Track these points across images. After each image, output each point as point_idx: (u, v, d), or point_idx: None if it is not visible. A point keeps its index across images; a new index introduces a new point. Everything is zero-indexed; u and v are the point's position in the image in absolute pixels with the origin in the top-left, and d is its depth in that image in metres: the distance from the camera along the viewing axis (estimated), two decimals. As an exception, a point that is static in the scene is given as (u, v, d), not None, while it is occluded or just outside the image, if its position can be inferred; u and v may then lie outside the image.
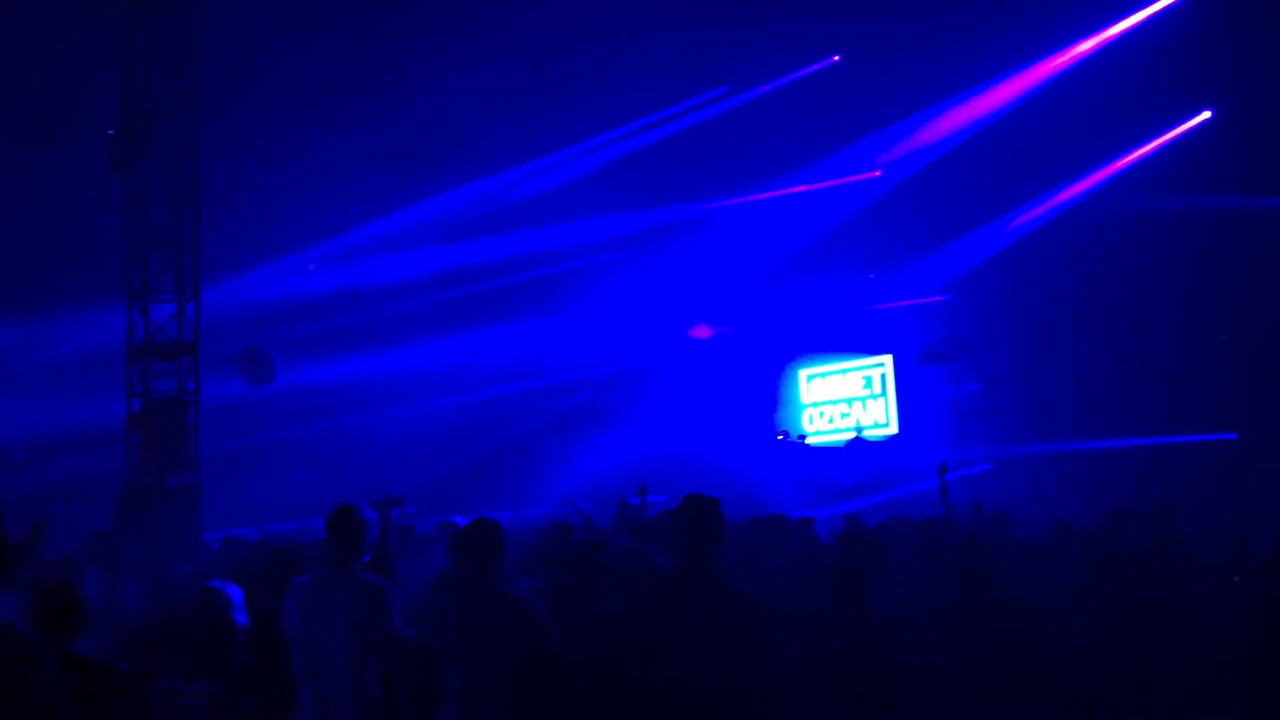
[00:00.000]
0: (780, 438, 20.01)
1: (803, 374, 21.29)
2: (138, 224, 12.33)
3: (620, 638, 4.58)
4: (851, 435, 19.59)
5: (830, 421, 20.77)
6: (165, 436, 11.72)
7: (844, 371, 20.72)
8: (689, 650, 4.30)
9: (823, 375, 21.07)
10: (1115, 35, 16.13)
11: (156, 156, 12.32)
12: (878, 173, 18.94)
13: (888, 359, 20.10)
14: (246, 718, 5.34)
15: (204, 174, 12.55)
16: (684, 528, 4.57)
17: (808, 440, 20.28)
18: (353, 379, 18.52)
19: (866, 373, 20.39)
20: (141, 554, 7.85)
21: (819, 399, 21.07)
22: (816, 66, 17.87)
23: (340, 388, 18.31)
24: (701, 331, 20.28)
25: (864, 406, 20.33)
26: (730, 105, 18.84)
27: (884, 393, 20.08)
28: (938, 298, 19.22)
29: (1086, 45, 16.33)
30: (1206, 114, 15.89)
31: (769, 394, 21.34)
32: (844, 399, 20.68)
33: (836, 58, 17.86)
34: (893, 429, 19.77)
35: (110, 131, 12.12)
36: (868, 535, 6.14)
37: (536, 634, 4.79)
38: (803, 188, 19.35)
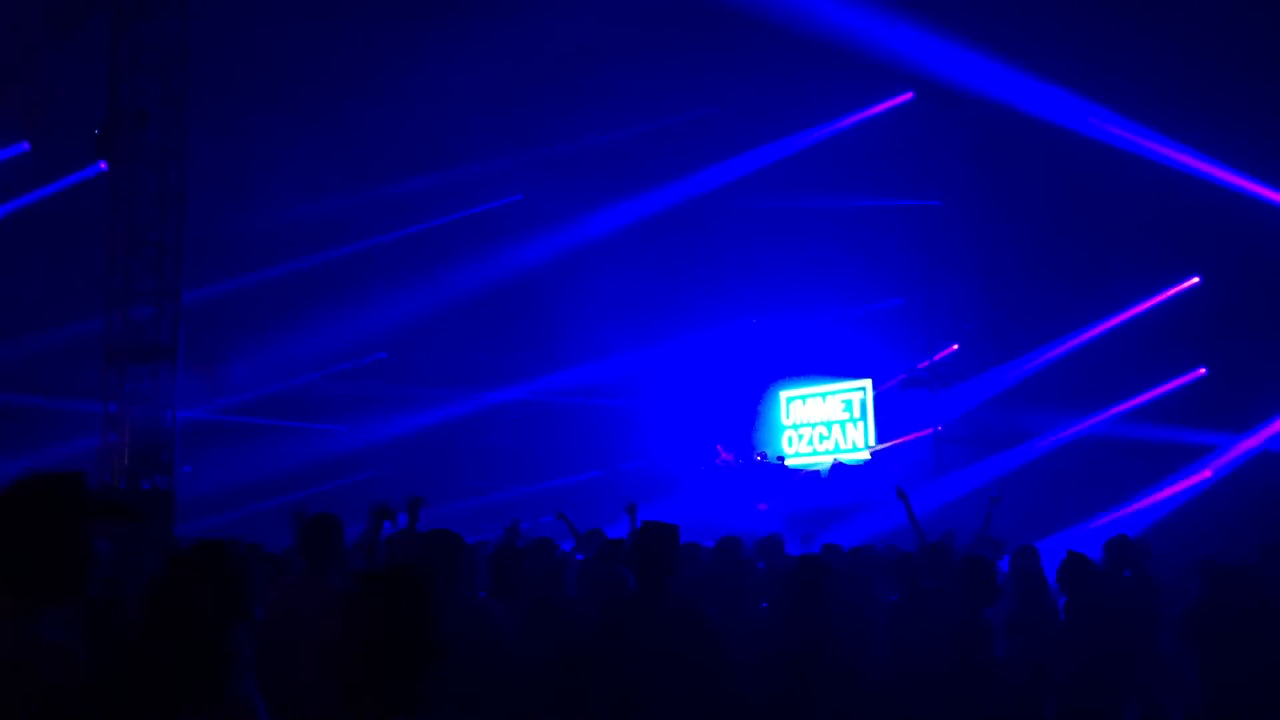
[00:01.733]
0: (758, 459, 20.02)
1: (783, 396, 21.33)
2: (122, 225, 12.26)
3: (588, 649, 4.66)
4: (831, 460, 19.62)
5: (809, 444, 20.81)
6: (140, 440, 11.62)
7: (824, 395, 20.77)
8: (650, 667, 4.40)
9: (803, 398, 21.12)
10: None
11: (142, 158, 12.26)
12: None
13: (867, 383, 20.17)
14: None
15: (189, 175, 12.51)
16: (640, 552, 4.79)
17: (787, 462, 20.29)
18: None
19: (846, 396, 20.45)
20: (106, 554, 7.75)
21: (799, 421, 21.11)
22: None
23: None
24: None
25: (843, 430, 20.39)
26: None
27: (863, 416, 20.14)
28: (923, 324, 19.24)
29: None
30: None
31: (748, 414, 21.37)
32: (824, 422, 20.73)
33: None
34: (869, 454, 19.82)
35: (96, 131, 12.05)
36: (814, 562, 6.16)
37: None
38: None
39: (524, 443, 20.42)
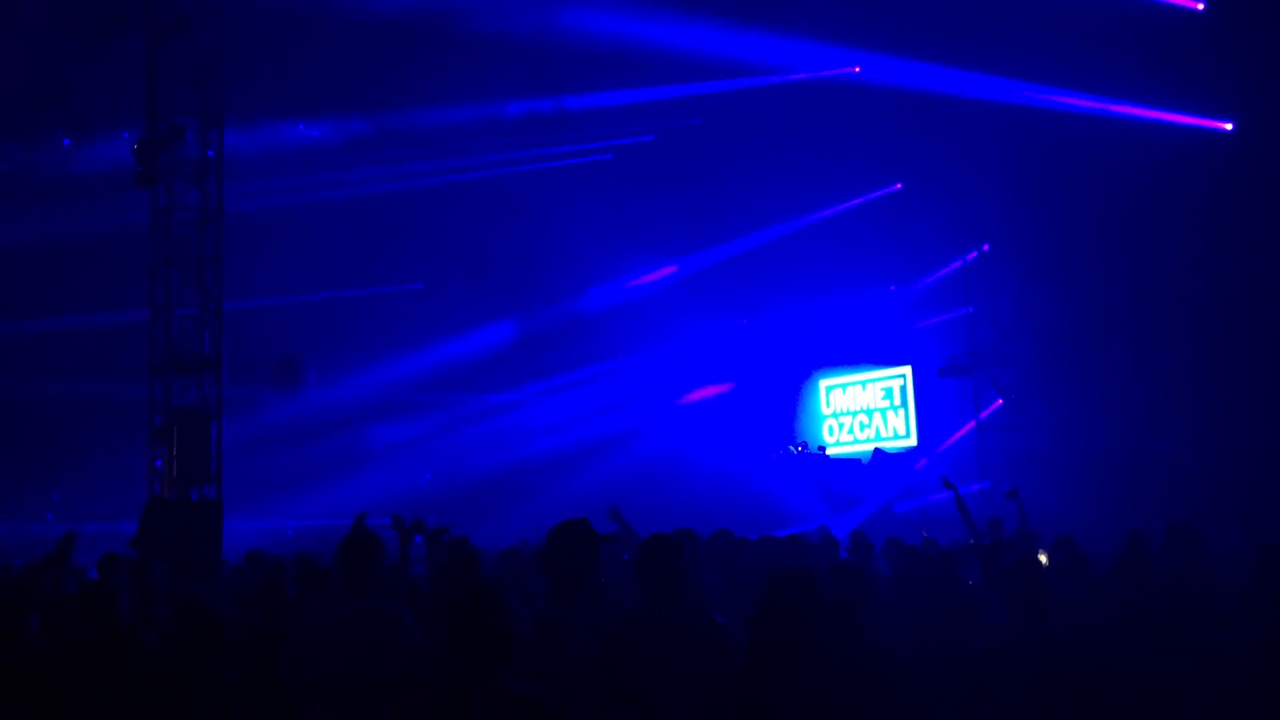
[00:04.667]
0: (799, 449, 19.95)
1: (823, 384, 21.23)
2: (162, 239, 12.41)
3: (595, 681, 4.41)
4: (872, 447, 19.53)
5: (850, 433, 20.71)
6: (187, 451, 11.77)
7: (864, 383, 20.64)
8: (664, 689, 4.25)
9: (843, 386, 21.01)
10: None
11: (181, 173, 12.39)
12: (898, 185, 18.99)
13: (907, 370, 20.01)
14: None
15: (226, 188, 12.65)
16: (646, 568, 4.54)
17: (828, 452, 20.21)
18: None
19: (887, 384, 20.29)
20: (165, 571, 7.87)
21: (839, 410, 21.01)
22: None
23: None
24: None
25: (884, 418, 20.26)
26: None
27: (904, 404, 20.00)
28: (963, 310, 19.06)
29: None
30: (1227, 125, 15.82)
31: (789, 405, 21.31)
32: (864, 410, 20.61)
33: (856, 68, 17.89)
34: (912, 441, 19.68)
35: (135, 148, 12.19)
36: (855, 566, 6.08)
37: None
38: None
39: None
